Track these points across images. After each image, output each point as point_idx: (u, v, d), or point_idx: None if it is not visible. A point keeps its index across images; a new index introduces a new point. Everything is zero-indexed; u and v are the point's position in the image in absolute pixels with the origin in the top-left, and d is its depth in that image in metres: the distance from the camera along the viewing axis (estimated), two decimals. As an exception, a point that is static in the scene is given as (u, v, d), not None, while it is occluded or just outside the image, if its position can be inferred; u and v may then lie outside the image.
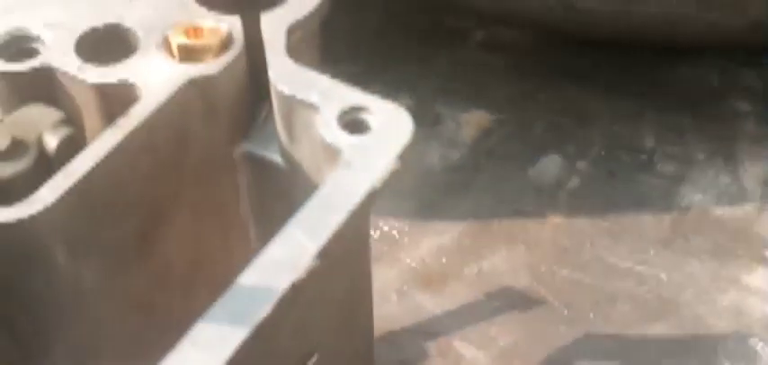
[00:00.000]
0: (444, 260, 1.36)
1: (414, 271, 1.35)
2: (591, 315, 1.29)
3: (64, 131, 0.85)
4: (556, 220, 1.40)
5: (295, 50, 0.89)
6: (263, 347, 0.73)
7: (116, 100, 0.86)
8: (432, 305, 1.31)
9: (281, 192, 0.91)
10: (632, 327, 1.28)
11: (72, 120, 0.87)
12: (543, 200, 1.43)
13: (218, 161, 0.92)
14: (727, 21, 1.39)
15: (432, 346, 1.27)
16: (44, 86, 0.88)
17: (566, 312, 1.29)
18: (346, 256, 0.83)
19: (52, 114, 0.85)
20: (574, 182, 1.45)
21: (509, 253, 1.36)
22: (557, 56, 1.63)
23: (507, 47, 1.65)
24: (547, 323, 1.29)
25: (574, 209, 1.41)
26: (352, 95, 0.84)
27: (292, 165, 0.89)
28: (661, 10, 1.38)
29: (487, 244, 1.38)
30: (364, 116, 0.84)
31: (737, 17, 1.38)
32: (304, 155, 0.87)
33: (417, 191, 1.45)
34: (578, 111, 1.54)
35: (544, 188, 1.44)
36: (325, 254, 0.76)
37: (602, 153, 1.49)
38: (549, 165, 1.47)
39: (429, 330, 1.29)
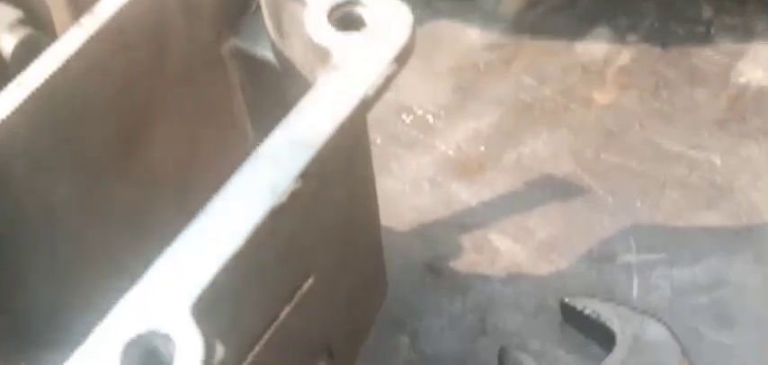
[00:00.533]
0: (482, 147, 1.27)
1: (449, 159, 1.26)
2: (638, 203, 1.20)
3: (22, 32, 0.76)
4: (602, 101, 1.30)
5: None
6: (241, 280, 0.65)
7: (84, -5, 0.77)
8: (467, 195, 1.23)
9: (275, 93, 0.82)
10: (682, 216, 1.19)
11: (37, 20, 0.78)
12: (590, 79, 1.32)
13: (203, 59, 0.83)
14: None
15: (466, 239, 1.20)
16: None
17: (610, 200, 1.20)
18: (338, 171, 0.74)
19: (8, 13, 0.77)
20: (623, 57, 1.34)
21: (551, 137, 1.27)
22: None
23: None
24: (590, 213, 1.20)
25: (622, 87, 1.31)
26: (345, -14, 0.74)
27: (284, 65, 0.80)
28: None
29: (528, 129, 1.29)
30: (358, 10, 0.74)
31: None
32: (296, 54, 0.78)
33: (454, 71, 1.35)
34: (631, -22, 1.42)
35: (591, 65, 1.34)
36: (308, 175, 0.67)
37: (656, 24, 1.37)
38: (598, 40, 1.36)
39: (464, 222, 1.21)
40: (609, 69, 1.33)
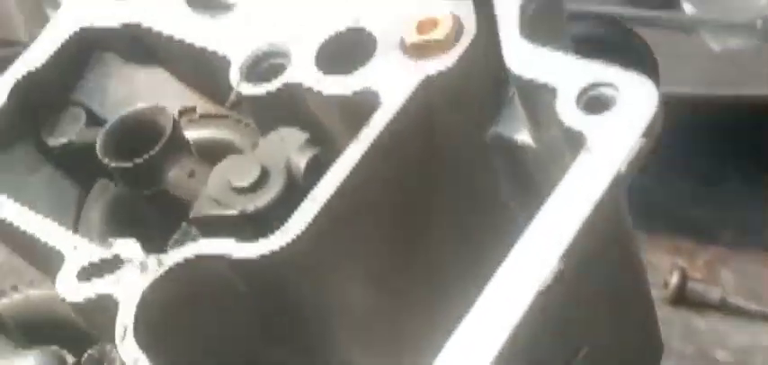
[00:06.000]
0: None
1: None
2: None
3: (310, 152, 0.85)
4: None
5: (532, 23, 0.84)
6: (516, 360, 0.71)
7: (357, 107, 0.85)
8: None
9: (539, 176, 0.87)
10: None
11: (315, 133, 0.87)
12: None
13: (469, 149, 0.89)
14: None
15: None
16: (285, 105, 0.88)
17: None
18: (601, 248, 0.78)
19: (298, 136, 0.86)
20: None
21: None
22: None
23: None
24: None
25: None
26: (591, 70, 0.79)
27: (543, 148, 0.85)
28: None
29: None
30: (606, 91, 0.78)
31: None
32: (553, 137, 0.83)
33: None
34: None
35: None
36: (570, 255, 0.72)
37: None
38: None
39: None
40: None
